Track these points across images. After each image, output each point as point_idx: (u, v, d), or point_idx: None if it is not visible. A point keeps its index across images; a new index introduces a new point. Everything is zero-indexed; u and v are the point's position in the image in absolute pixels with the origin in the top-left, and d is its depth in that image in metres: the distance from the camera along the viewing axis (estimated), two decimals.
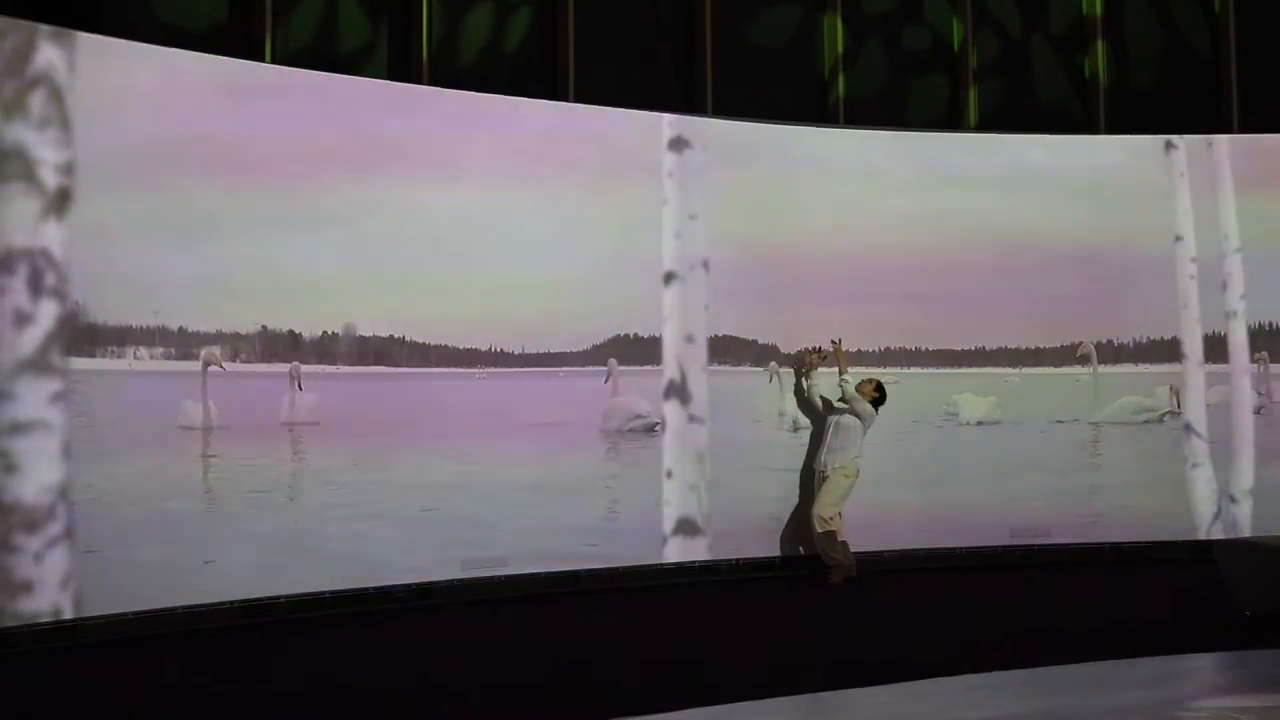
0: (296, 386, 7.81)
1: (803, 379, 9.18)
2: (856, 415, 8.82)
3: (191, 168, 7.37)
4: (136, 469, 7.12)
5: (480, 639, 7.15)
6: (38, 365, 6.73)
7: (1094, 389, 9.84)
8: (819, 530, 8.69)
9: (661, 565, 8.81)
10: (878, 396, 8.93)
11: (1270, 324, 9.98)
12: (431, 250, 8.20)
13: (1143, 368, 9.95)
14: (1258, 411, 9.89)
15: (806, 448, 9.14)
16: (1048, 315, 9.79)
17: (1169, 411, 9.92)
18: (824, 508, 8.70)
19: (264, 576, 7.42)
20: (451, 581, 8.06)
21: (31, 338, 6.72)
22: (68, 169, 6.84)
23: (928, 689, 5.78)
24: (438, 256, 8.22)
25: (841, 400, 8.94)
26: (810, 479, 8.98)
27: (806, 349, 9.13)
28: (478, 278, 8.34)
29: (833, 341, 8.99)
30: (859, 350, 9.28)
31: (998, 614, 7.76)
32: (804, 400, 9.17)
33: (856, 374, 9.11)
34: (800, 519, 9.02)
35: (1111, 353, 9.94)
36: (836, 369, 8.97)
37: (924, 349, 9.72)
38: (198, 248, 7.37)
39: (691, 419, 9.01)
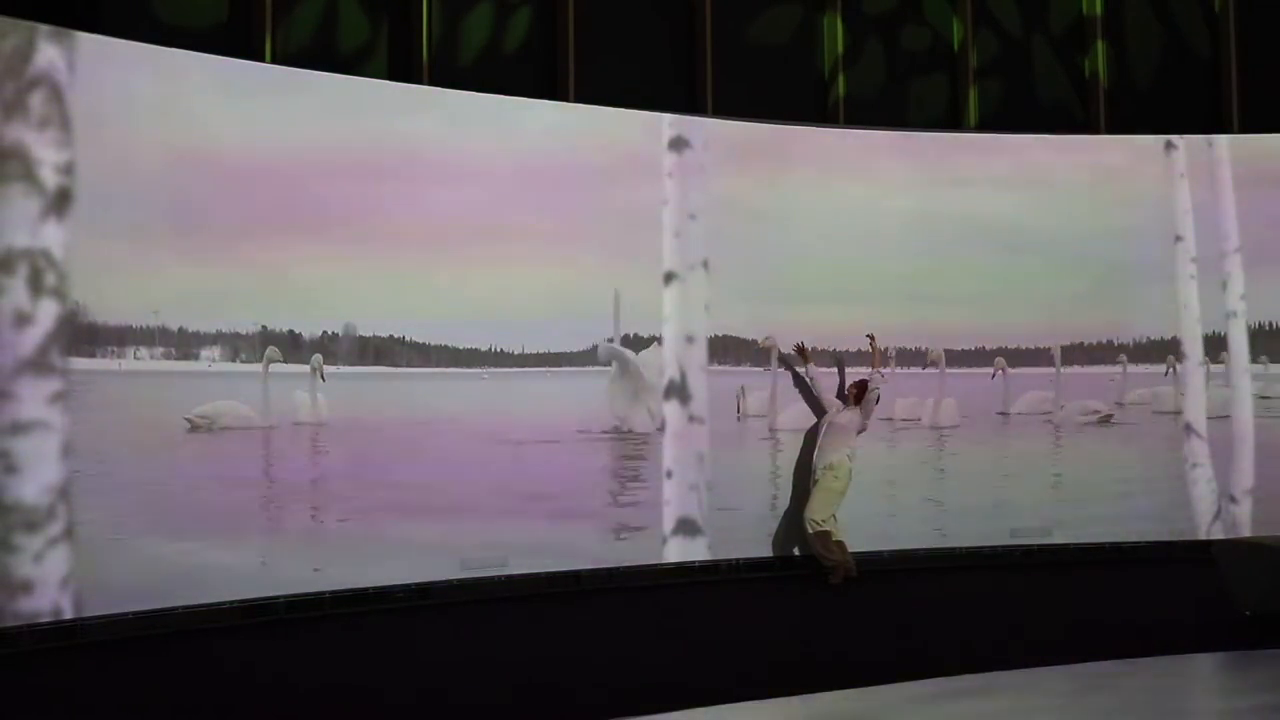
0: (319, 378, 7.84)
1: (798, 368, 9.19)
2: (863, 414, 8.83)
3: (191, 168, 7.37)
4: (140, 469, 7.16)
5: (480, 639, 7.15)
6: (38, 365, 6.73)
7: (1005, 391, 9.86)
8: (811, 532, 8.69)
9: (661, 565, 8.81)
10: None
11: (1271, 324, 9.99)
12: (432, 250, 8.20)
13: (1142, 367, 9.94)
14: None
15: (802, 444, 9.17)
16: (1048, 315, 9.79)
17: (1109, 415, 9.91)
18: (815, 510, 8.71)
19: (266, 576, 7.45)
20: (451, 581, 8.07)
21: (31, 338, 6.72)
22: (68, 169, 6.85)
23: (928, 689, 5.78)
24: (438, 256, 8.23)
25: (844, 396, 8.97)
26: (804, 478, 8.99)
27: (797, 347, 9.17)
28: (478, 277, 8.34)
29: (868, 336, 9.04)
30: (859, 350, 9.29)
31: (998, 614, 7.75)
32: (809, 394, 9.18)
33: (852, 373, 9.18)
34: (792, 519, 9.03)
35: (1113, 352, 9.94)
36: (872, 363, 9.02)
37: (924, 349, 9.72)
38: (198, 247, 7.38)
39: (691, 419, 9.01)
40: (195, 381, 7.48)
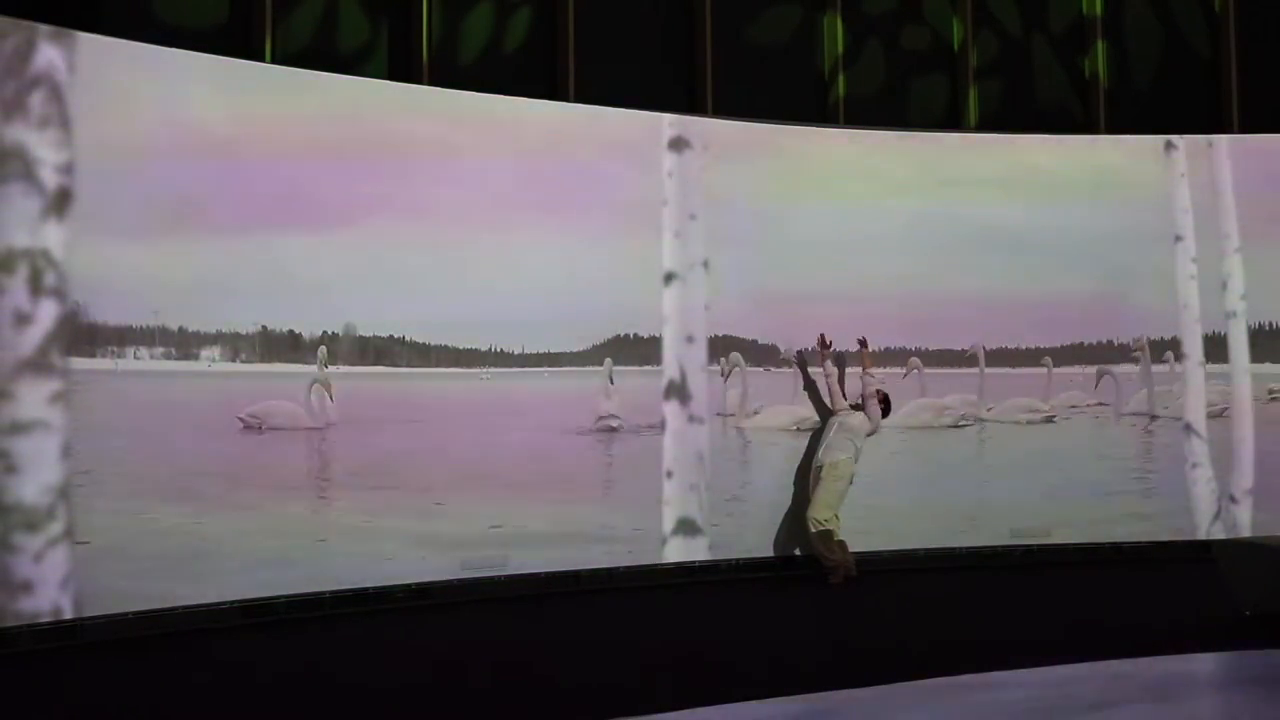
0: (322, 366, 7.86)
1: (812, 368, 9.20)
2: (868, 417, 8.85)
3: (191, 168, 7.37)
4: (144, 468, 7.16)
5: (480, 639, 7.15)
6: (38, 365, 6.73)
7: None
8: (813, 531, 8.70)
9: (661, 565, 8.81)
10: (883, 408, 8.96)
11: (1270, 324, 9.99)
12: (431, 250, 8.21)
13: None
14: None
15: (807, 444, 9.16)
16: (1048, 315, 9.79)
17: (1051, 414, 9.88)
18: (818, 510, 8.71)
19: (266, 576, 7.45)
20: (451, 581, 8.07)
21: (31, 338, 6.72)
22: (68, 169, 6.85)
23: (928, 688, 5.78)
24: (438, 256, 8.23)
25: (856, 405, 8.97)
26: (806, 476, 8.99)
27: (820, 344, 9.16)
28: (478, 277, 8.35)
29: (860, 340, 9.09)
30: (859, 350, 9.27)
31: (998, 614, 7.76)
32: (815, 393, 9.18)
33: (852, 374, 9.18)
34: (795, 518, 9.02)
35: (1114, 352, 9.95)
36: (861, 367, 9.05)
37: (924, 349, 9.73)
38: (198, 247, 7.38)
39: (691, 419, 9.01)
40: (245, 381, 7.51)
